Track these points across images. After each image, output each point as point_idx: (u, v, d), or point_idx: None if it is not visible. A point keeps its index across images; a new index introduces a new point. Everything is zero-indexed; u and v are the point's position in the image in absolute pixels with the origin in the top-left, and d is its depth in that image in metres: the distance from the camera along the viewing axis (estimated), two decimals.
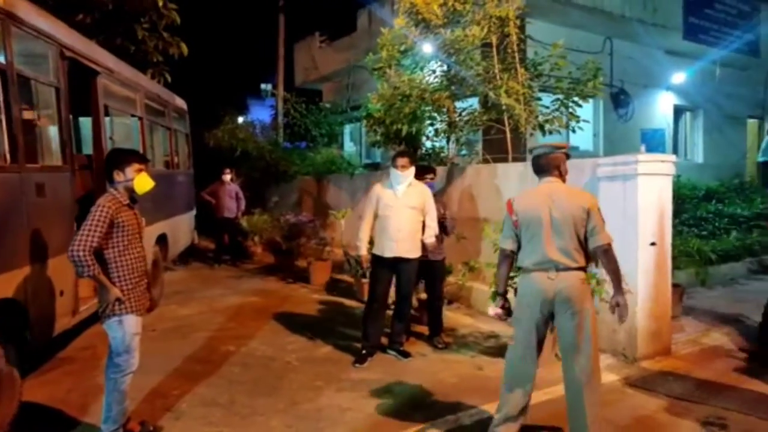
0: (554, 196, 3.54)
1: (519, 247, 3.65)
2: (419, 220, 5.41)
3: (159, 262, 7.75)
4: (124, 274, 3.67)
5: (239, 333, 6.36)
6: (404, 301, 5.56)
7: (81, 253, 3.43)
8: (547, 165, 3.68)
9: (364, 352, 5.39)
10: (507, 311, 3.71)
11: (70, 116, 5.23)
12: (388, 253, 5.33)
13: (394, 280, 5.50)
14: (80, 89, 5.79)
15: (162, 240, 7.86)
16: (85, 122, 7.13)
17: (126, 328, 3.67)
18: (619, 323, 3.62)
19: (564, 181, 3.72)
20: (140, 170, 3.78)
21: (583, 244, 3.51)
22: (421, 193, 5.46)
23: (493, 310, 3.77)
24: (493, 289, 3.91)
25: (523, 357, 3.59)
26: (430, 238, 5.43)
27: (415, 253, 5.38)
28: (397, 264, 5.37)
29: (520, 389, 3.60)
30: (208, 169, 12.12)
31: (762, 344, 5.38)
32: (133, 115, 7.07)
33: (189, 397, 4.54)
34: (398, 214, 5.33)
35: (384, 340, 5.63)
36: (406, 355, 5.49)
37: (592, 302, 3.57)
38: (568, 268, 3.45)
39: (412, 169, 5.46)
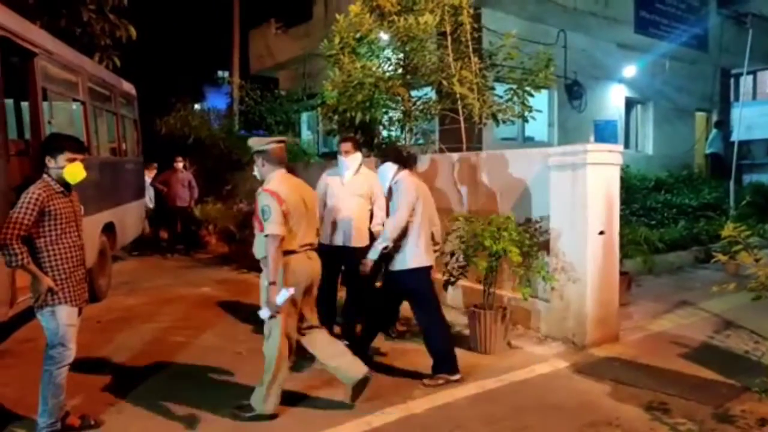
0: (299, 187, 4.01)
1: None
2: (367, 209, 5.32)
3: (106, 252, 7.50)
4: (57, 264, 3.52)
5: (188, 324, 6.21)
6: (354, 292, 5.40)
7: (8, 242, 3.28)
8: (282, 157, 3.98)
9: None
10: None
11: (4, 100, 4.98)
12: (336, 242, 5.22)
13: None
14: (18, 72, 5.53)
15: (109, 229, 7.60)
16: (24, 107, 6.83)
17: (59, 319, 3.53)
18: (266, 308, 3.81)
19: None
20: (73, 159, 3.59)
21: None
22: (368, 180, 5.33)
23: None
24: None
25: None
26: (377, 226, 5.27)
27: (362, 242, 5.24)
28: (343, 253, 5.23)
29: None
30: (160, 157, 11.83)
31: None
32: (75, 100, 6.79)
33: (133, 391, 4.39)
34: (344, 202, 5.23)
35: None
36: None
37: None
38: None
39: (358, 155, 5.35)
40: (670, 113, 14.92)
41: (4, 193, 4.79)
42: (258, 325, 6.10)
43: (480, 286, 5.44)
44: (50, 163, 3.57)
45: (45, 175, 3.57)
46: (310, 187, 4.31)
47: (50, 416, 3.56)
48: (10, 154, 5.05)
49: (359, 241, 5.25)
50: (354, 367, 4.05)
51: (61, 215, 3.53)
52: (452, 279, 5.42)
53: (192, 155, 12.89)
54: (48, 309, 3.52)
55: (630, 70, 13.43)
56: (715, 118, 16.01)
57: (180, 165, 10.95)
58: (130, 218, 8.88)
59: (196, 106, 17.25)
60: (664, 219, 9.87)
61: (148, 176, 11.42)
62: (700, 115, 16.17)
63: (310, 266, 4.04)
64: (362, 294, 5.39)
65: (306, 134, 16.35)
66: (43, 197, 3.44)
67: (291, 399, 4.24)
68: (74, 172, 3.59)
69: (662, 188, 11.35)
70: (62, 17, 10.19)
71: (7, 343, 5.46)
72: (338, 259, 5.28)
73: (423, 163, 7.43)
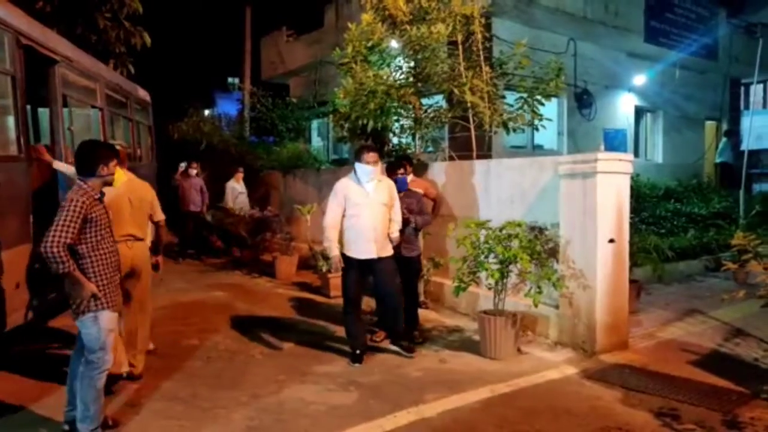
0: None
1: None
2: (389, 217, 5.30)
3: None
4: (99, 269, 3.60)
5: (202, 327, 6.29)
6: (390, 298, 5.31)
7: (56, 249, 3.33)
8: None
9: (358, 351, 5.21)
10: None
11: (28, 106, 5.10)
12: (364, 255, 5.10)
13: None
14: (38, 78, 5.65)
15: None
16: (45, 113, 6.96)
17: (101, 324, 3.60)
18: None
19: None
20: (117, 164, 3.85)
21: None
22: (389, 188, 5.34)
23: None
24: None
25: None
26: (395, 232, 5.32)
27: (390, 250, 5.26)
28: (372, 264, 5.16)
29: None
30: (173, 162, 11.96)
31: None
32: (93, 106, 6.92)
33: (149, 392, 4.48)
34: (372, 211, 5.11)
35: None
36: (410, 351, 5.30)
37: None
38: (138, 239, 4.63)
39: (379, 164, 5.34)
40: (680, 122, 14.93)
41: (26, 196, 4.90)
42: (271, 328, 6.22)
43: (490, 293, 5.49)
44: (103, 170, 3.68)
45: (81, 182, 3.63)
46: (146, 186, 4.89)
47: (93, 422, 3.60)
48: (31, 158, 5.15)
49: (387, 250, 5.24)
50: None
51: (99, 221, 3.61)
52: (463, 285, 5.48)
53: (204, 161, 13.01)
54: (90, 315, 3.56)
55: (639, 79, 13.46)
56: (724, 127, 16.01)
57: (193, 171, 11.06)
58: None
59: (207, 112, 17.39)
60: (674, 228, 9.87)
61: (237, 183, 11.36)
62: (709, 124, 16.17)
63: (128, 254, 4.49)
64: (398, 300, 5.38)
65: (316, 141, 16.46)
66: (87, 204, 3.51)
67: (304, 402, 4.32)
68: (118, 176, 3.93)
69: (672, 197, 11.34)
70: (78, 24, 10.37)
71: None
72: (365, 271, 5.23)
73: (435, 169, 7.52)
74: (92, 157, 3.69)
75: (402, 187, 5.82)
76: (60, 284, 3.70)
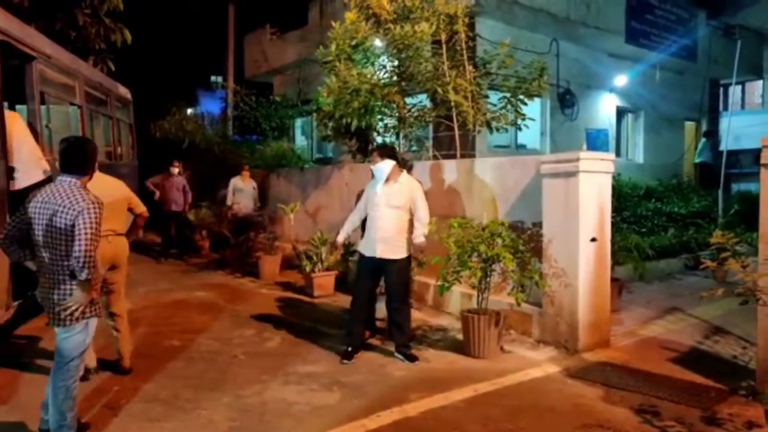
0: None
1: None
2: (405, 219, 5.19)
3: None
4: (94, 274, 3.50)
5: (184, 327, 6.23)
6: (394, 303, 5.30)
7: (92, 254, 3.27)
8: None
9: (349, 349, 5.23)
10: None
11: (5, 103, 5.01)
12: (369, 253, 5.23)
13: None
14: (16, 75, 5.56)
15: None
16: (22, 110, 6.85)
17: (90, 331, 3.54)
18: None
19: None
20: None
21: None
22: (404, 190, 5.20)
23: None
24: None
25: None
26: (418, 238, 5.16)
27: (399, 254, 5.18)
28: (382, 265, 5.21)
29: None
30: (155, 161, 11.82)
31: None
32: (72, 103, 6.83)
33: (129, 393, 4.42)
34: (379, 213, 5.18)
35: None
36: (412, 359, 5.18)
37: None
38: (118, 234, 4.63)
39: (387, 163, 5.18)
40: (660, 122, 15.10)
41: (3, 194, 4.82)
42: (254, 329, 6.18)
43: (474, 291, 5.51)
44: (94, 169, 3.64)
45: (77, 181, 3.47)
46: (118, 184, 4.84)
47: (69, 429, 3.52)
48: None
49: (396, 253, 5.18)
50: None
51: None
52: (447, 284, 5.49)
53: (186, 160, 12.89)
54: (84, 321, 3.47)
55: (621, 80, 13.58)
56: (704, 127, 16.21)
57: (175, 170, 10.95)
58: None
59: (189, 111, 17.22)
60: (655, 227, 9.99)
61: (240, 180, 10.96)
62: (689, 125, 16.36)
63: (109, 249, 4.47)
64: (403, 308, 5.35)
65: (300, 140, 16.40)
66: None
67: (287, 402, 4.30)
68: None
69: (652, 196, 11.48)
70: (57, 20, 10.22)
71: None
72: (375, 270, 5.29)
73: (419, 168, 7.51)
74: (92, 156, 3.60)
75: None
76: (33, 288, 3.61)
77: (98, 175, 4.42)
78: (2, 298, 4.75)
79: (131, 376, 4.75)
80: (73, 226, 3.28)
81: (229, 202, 10.75)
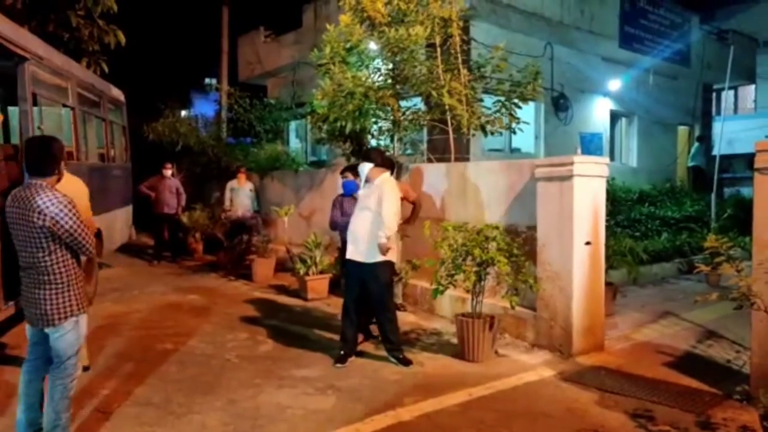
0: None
1: None
2: (378, 221, 5.07)
3: (93, 258, 7.45)
4: (78, 270, 3.50)
5: (177, 331, 6.19)
6: (378, 313, 5.32)
7: (92, 238, 3.40)
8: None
9: (342, 352, 5.22)
10: None
11: None
12: (347, 255, 5.31)
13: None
14: (8, 76, 5.52)
15: (96, 235, 7.55)
16: (15, 112, 6.81)
17: (81, 328, 3.51)
18: None
19: None
20: None
21: None
22: (378, 191, 5.14)
23: None
24: None
25: None
26: (380, 238, 5.02)
27: (371, 257, 5.10)
28: (362, 269, 5.18)
29: None
30: (148, 163, 11.76)
31: None
32: (64, 105, 6.78)
33: (121, 397, 4.38)
34: (355, 214, 5.32)
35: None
36: (406, 362, 5.15)
37: None
38: None
39: (365, 165, 5.22)
40: (654, 127, 15.15)
41: None
42: (247, 332, 6.14)
43: (468, 295, 5.50)
44: (64, 167, 3.56)
45: (43, 183, 3.37)
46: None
47: (64, 430, 3.48)
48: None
49: (369, 256, 5.12)
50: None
51: None
52: (441, 287, 5.47)
53: (180, 162, 12.84)
54: (74, 318, 3.43)
55: (615, 84, 13.63)
56: (697, 132, 16.30)
57: (168, 172, 10.90)
58: (116, 224, 8.85)
59: (183, 113, 17.13)
60: (648, 231, 10.03)
61: (237, 184, 10.87)
62: (682, 129, 16.44)
63: None
64: (385, 312, 5.31)
65: (294, 142, 16.36)
66: None
67: (281, 406, 4.27)
68: None
69: (646, 200, 11.52)
70: (50, 22, 10.16)
71: None
72: (357, 274, 5.28)
73: (413, 172, 7.51)
74: (58, 156, 3.45)
75: (347, 192, 6.31)
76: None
77: (68, 178, 4.15)
78: None
79: (124, 379, 4.71)
80: (48, 227, 3.23)
81: (227, 205, 10.72)
